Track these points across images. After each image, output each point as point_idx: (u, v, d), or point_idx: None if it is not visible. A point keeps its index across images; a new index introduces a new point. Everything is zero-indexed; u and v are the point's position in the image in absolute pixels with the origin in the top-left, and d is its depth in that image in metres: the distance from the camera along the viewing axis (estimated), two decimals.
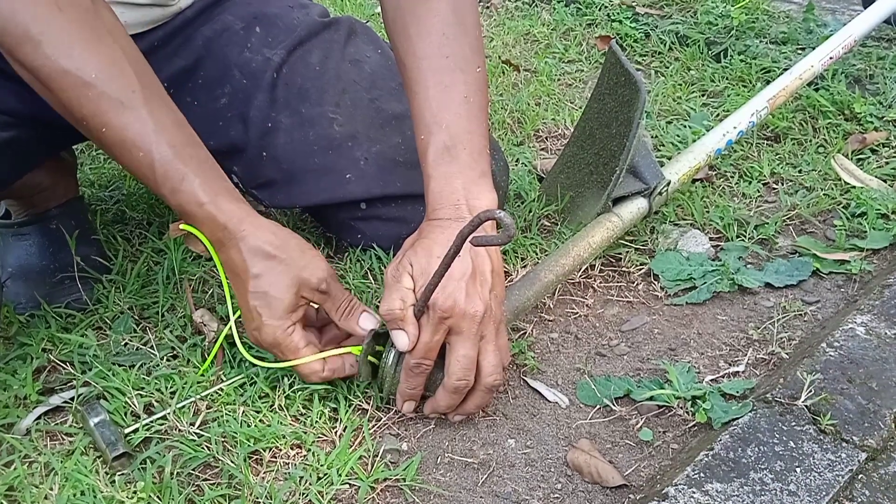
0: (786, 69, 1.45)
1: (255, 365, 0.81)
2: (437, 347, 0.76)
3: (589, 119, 1.08)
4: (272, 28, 0.98)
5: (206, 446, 0.76)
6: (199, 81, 0.97)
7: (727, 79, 1.49)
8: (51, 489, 0.71)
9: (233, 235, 0.75)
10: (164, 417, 0.79)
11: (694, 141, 1.25)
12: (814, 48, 1.50)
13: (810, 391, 0.78)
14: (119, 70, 0.71)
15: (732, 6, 1.68)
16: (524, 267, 1.02)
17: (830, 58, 1.28)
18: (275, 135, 0.95)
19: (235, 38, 0.96)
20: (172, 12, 0.94)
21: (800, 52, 1.54)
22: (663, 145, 1.29)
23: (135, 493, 0.70)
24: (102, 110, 0.70)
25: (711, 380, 0.87)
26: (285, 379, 0.83)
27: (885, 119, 1.31)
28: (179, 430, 0.78)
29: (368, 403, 0.82)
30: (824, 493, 0.69)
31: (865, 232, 1.07)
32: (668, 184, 1.05)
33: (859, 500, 0.69)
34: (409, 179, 0.94)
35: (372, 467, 0.75)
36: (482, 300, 0.74)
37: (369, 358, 0.79)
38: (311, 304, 0.79)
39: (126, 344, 0.90)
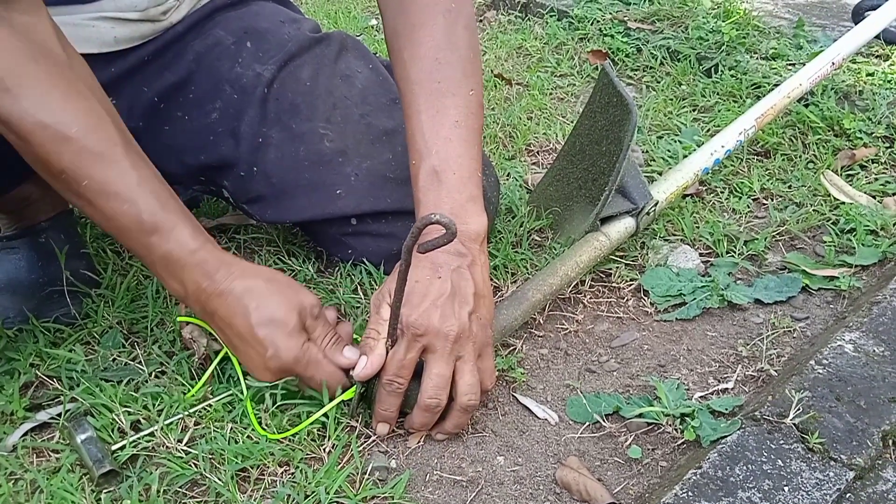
0: (776, 85, 1.46)
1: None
2: (411, 366, 0.76)
3: (579, 135, 1.09)
4: (263, 43, 0.98)
5: (194, 464, 0.76)
6: (190, 96, 0.97)
7: (718, 94, 1.50)
8: None
9: (224, 279, 0.76)
10: (151, 434, 0.79)
11: (684, 156, 1.26)
12: (804, 64, 1.51)
13: (798, 409, 0.79)
14: (98, 123, 0.72)
15: (723, 21, 1.69)
16: (514, 282, 1.02)
17: (819, 76, 1.30)
18: (266, 150, 0.95)
19: (226, 53, 0.96)
20: (163, 27, 0.95)
21: (790, 67, 1.55)
22: (654, 160, 1.29)
23: None
24: (84, 164, 0.71)
25: (700, 396, 0.87)
26: (270, 397, 0.82)
27: (874, 135, 1.32)
28: (167, 447, 0.78)
29: (357, 421, 0.82)
30: None
31: (854, 248, 1.08)
32: (656, 203, 1.06)
33: None
34: (399, 196, 0.94)
35: (360, 485, 0.75)
36: (457, 320, 0.75)
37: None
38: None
39: (114, 359, 0.89)
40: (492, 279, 1.02)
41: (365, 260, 1.00)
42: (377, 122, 0.97)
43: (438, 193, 0.81)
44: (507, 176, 1.26)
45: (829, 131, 1.34)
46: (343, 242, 0.99)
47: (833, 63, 1.30)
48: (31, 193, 0.98)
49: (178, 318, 0.78)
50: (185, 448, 0.78)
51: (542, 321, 0.98)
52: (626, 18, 1.80)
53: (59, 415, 0.82)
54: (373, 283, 0.99)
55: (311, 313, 0.78)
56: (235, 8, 1.01)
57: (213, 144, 0.97)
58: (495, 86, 1.58)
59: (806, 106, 1.39)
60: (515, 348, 0.94)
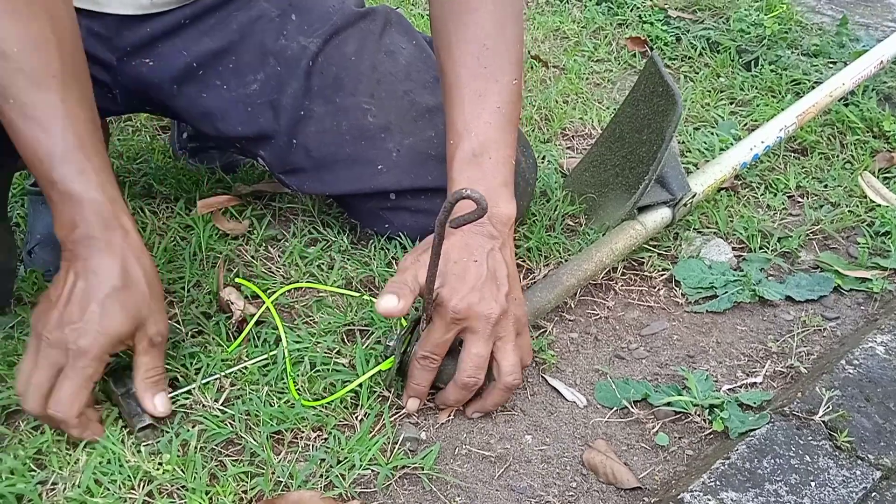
0: (817, 82, 1.45)
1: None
2: (447, 345, 0.77)
3: (620, 122, 1.09)
4: (308, 16, 0.98)
5: (230, 423, 0.78)
6: (230, 66, 0.97)
7: (757, 88, 1.49)
8: (78, 456, 0.73)
9: (116, 229, 0.73)
10: (188, 392, 0.80)
11: (721, 150, 1.26)
12: (845, 63, 1.49)
13: (828, 407, 0.79)
14: (42, 49, 0.70)
15: (765, 15, 1.67)
16: (547, 265, 1.03)
17: (863, 75, 1.28)
18: (307, 123, 0.96)
19: (271, 26, 0.96)
20: None
21: (831, 65, 1.53)
22: (690, 152, 1.29)
23: (160, 464, 0.72)
24: (14, 83, 0.69)
25: (728, 389, 0.87)
26: (307, 361, 0.84)
27: None
28: (204, 405, 0.79)
29: (389, 391, 0.83)
30: None
31: (888, 251, 1.08)
32: (694, 195, 1.06)
33: None
34: (440, 173, 0.94)
35: (391, 454, 0.76)
36: (497, 302, 0.76)
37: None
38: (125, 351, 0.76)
39: None
40: (524, 261, 1.03)
41: (401, 234, 1.01)
42: (420, 98, 0.97)
43: (473, 175, 0.82)
44: (543, 159, 1.26)
45: (868, 132, 1.33)
46: (380, 216, 1.00)
47: (881, 62, 1.29)
48: None
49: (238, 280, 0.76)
50: (221, 408, 0.79)
51: (573, 305, 0.99)
52: (666, 6, 1.78)
53: None
54: None
55: (150, 338, 0.74)
56: None
57: (251, 115, 0.97)
58: (532, 67, 1.57)
59: (846, 105, 1.38)
60: (546, 331, 0.94)
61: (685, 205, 1.05)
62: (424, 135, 0.96)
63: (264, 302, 0.91)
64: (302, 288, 0.98)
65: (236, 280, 0.93)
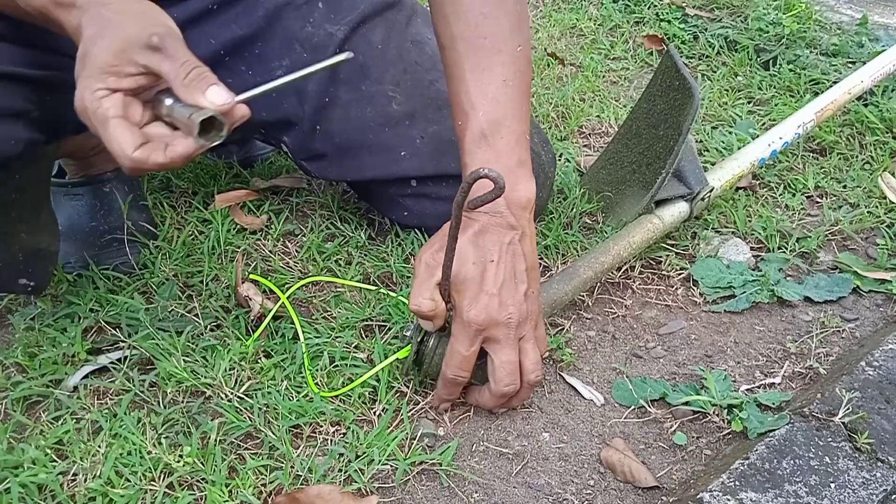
0: (835, 82, 1.44)
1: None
2: (474, 358, 0.76)
3: (637, 118, 1.08)
4: (335, 4, 0.98)
5: (249, 416, 0.78)
6: (256, 52, 0.97)
7: (775, 87, 1.48)
8: (99, 447, 0.73)
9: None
10: (208, 384, 0.81)
11: (739, 148, 1.25)
12: (864, 62, 1.48)
13: (848, 408, 0.79)
14: None
15: (784, 14, 1.66)
16: (563, 263, 1.02)
17: (882, 74, 1.27)
18: (331, 110, 0.95)
19: (298, 13, 0.96)
20: None
21: (850, 65, 1.52)
22: (707, 150, 1.28)
23: (180, 456, 0.72)
24: None
25: (747, 389, 0.87)
26: (325, 356, 0.84)
27: None
28: (223, 396, 0.80)
29: (407, 387, 0.83)
30: None
31: None
32: (712, 190, 1.05)
33: None
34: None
35: (409, 450, 0.77)
36: (516, 306, 0.74)
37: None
38: (149, 72, 0.64)
39: (171, 310, 0.91)
40: (542, 259, 1.02)
41: (418, 228, 1.01)
42: (445, 88, 0.97)
43: (486, 156, 0.78)
44: (560, 157, 1.26)
45: (887, 133, 1.32)
46: (400, 204, 1.00)
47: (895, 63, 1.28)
48: (98, 143, 0.99)
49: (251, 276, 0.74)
50: (240, 395, 0.80)
51: (590, 304, 0.98)
52: (684, 4, 1.77)
53: (119, 360, 0.84)
54: None
55: (147, 44, 0.62)
56: None
57: (276, 102, 0.97)
58: (548, 65, 1.57)
59: (865, 105, 1.37)
60: (564, 328, 0.94)
61: (703, 199, 1.04)
62: (449, 123, 0.95)
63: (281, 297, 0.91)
64: (320, 283, 0.98)
65: (251, 276, 0.93)
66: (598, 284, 1.01)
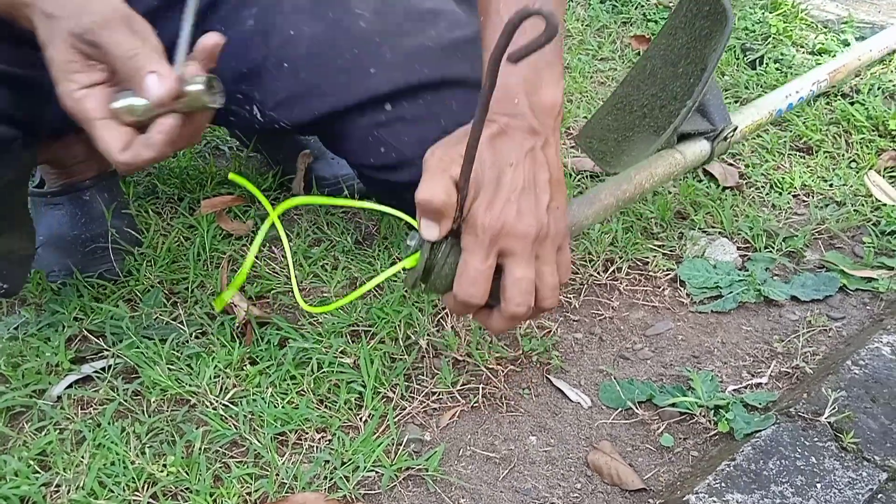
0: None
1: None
2: (489, 275, 0.65)
3: (653, 56, 1.03)
4: None
5: (234, 424, 0.78)
6: (228, 5, 0.90)
7: (762, 86, 1.48)
8: (82, 457, 0.73)
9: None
10: (193, 392, 0.80)
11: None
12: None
13: (834, 408, 0.79)
14: None
15: (770, 13, 1.66)
16: None
17: (890, 47, 1.35)
18: (297, 43, 0.87)
19: None
20: None
21: None
22: None
23: (164, 466, 0.72)
24: None
25: (734, 390, 0.87)
26: (313, 362, 0.84)
27: None
28: (208, 404, 0.79)
29: (393, 392, 0.83)
30: None
31: (894, 250, 1.07)
32: (735, 130, 0.99)
33: None
34: (440, 64, 0.84)
35: (396, 455, 0.76)
36: (536, 218, 0.65)
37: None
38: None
39: (156, 318, 0.91)
40: None
41: (399, 154, 0.89)
42: (419, 4, 0.89)
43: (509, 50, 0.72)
44: None
45: (873, 131, 1.33)
46: (377, 139, 0.88)
47: None
48: (78, 153, 0.99)
49: (231, 176, 0.64)
50: (225, 403, 0.79)
51: (577, 305, 0.98)
52: (671, 4, 1.77)
53: (103, 369, 0.84)
54: None
55: (82, 36, 0.60)
56: None
57: (245, 49, 0.89)
58: None
59: (851, 104, 1.37)
60: (551, 331, 0.94)
61: (725, 139, 0.99)
62: (426, 34, 0.87)
63: (269, 303, 0.91)
64: (305, 289, 0.98)
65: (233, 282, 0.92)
66: (586, 286, 1.01)
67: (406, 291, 0.73)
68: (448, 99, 0.85)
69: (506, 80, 0.68)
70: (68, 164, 1.00)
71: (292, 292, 0.97)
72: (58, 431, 0.76)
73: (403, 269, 0.68)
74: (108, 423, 0.76)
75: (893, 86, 1.43)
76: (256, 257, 1.02)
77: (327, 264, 1.01)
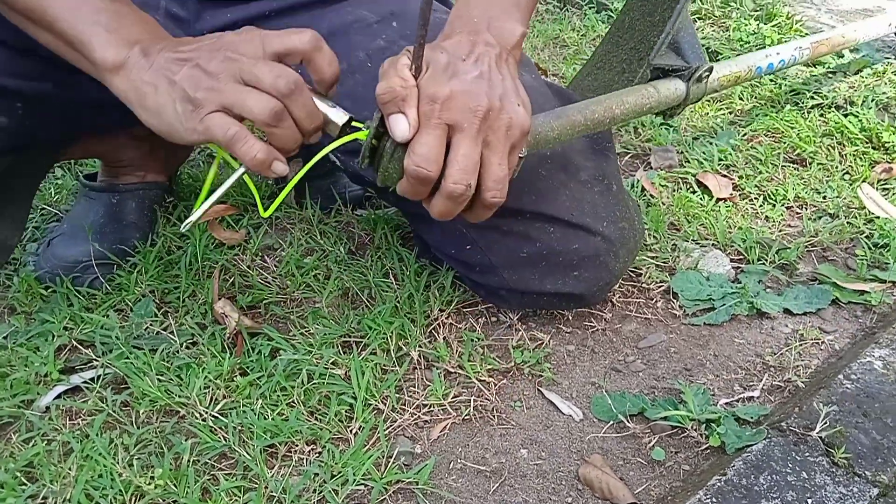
0: (816, 93, 1.45)
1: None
2: (441, 148, 0.64)
3: (631, 9, 1.02)
4: (412, 24, 0.89)
5: (223, 436, 0.77)
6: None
7: (756, 98, 1.49)
8: (70, 469, 0.72)
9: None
10: (182, 403, 0.80)
11: (720, 159, 1.26)
12: (845, 73, 1.49)
13: (825, 423, 0.79)
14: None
15: (765, 24, 1.67)
16: None
17: (873, 34, 1.39)
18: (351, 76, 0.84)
19: (367, 30, 0.89)
20: None
21: (830, 75, 1.53)
22: (688, 161, 1.29)
23: (152, 478, 0.71)
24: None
25: (726, 403, 0.87)
26: (303, 373, 0.83)
27: None
28: (197, 416, 0.79)
29: (384, 404, 0.83)
30: None
31: (887, 263, 1.07)
32: (710, 71, 0.98)
33: None
34: None
35: (386, 468, 0.76)
36: (487, 97, 0.63)
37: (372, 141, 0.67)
38: None
39: (147, 328, 0.91)
40: None
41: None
42: None
43: None
44: None
45: (867, 143, 1.33)
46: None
47: (891, 25, 1.36)
48: (124, 157, 1.07)
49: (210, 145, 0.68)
50: (214, 415, 0.79)
51: (570, 317, 0.98)
52: None
53: (93, 379, 0.83)
54: (403, 267, 1.00)
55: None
56: None
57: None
58: None
59: (845, 116, 1.38)
60: (543, 343, 0.94)
61: (700, 79, 0.97)
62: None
63: (260, 314, 0.90)
64: (298, 300, 0.97)
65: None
66: None
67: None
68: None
69: (469, 10, 0.70)
70: (114, 164, 1.05)
71: (283, 303, 0.96)
72: (45, 443, 0.76)
73: (357, 140, 0.66)
74: (97, 435, 0.76)
75: (887, 98, 1.44)
76: (248, 266, 1.02)
77: (320, 274, 1.01)
